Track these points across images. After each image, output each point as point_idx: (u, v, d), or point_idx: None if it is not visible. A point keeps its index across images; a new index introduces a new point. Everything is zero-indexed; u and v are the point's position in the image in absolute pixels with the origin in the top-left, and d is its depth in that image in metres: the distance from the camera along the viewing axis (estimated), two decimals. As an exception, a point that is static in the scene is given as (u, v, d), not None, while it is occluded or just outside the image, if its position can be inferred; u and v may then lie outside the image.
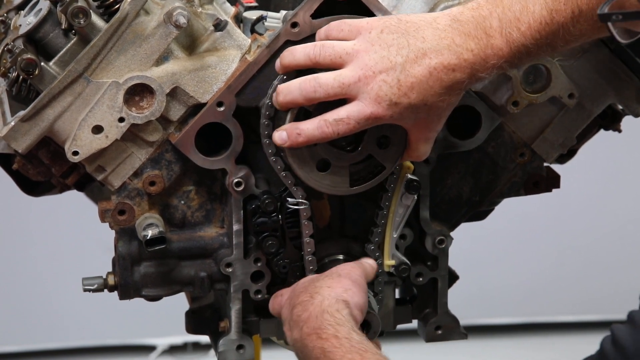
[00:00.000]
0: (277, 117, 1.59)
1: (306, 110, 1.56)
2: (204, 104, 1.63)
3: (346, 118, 1.52)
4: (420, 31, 1.51)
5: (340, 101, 1.54)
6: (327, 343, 1.51)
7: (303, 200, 1.66)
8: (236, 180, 1.65)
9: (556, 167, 1.86)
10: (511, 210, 2.38)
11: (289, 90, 1.55)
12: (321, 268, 1.70)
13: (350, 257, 1.74)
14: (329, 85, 1.52)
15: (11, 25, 1.70)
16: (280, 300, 1.68)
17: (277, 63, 1.59)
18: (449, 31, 1.50)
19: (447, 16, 1.52)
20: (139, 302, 1.78)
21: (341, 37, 1.55)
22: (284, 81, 1.58)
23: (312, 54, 1.55)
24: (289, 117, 1.57)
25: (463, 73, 1.50)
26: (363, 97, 1.51)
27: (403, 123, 1.55)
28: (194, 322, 1.81)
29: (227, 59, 1.63)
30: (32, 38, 1.60)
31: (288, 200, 1.66)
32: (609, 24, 1.36)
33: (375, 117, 1.52)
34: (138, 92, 1.60)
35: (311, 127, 1.54)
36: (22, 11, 1.69)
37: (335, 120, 1.53)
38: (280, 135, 1.56)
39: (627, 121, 1.86)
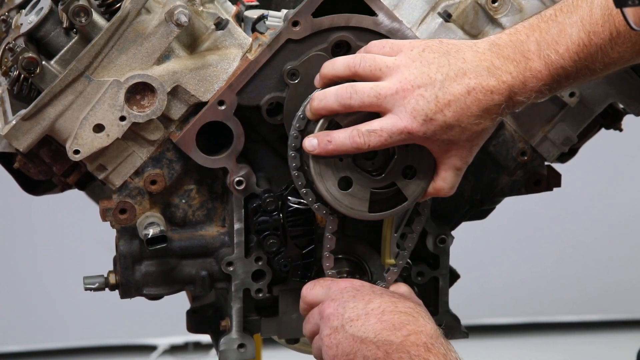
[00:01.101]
0: (307, 130, 1.58)
1: (337, 124, 1.55)
2: (205, 103, 1.63)
3: (379, 130, 1.51)
4: (461, 52, 1.52)
5: (373, 118, 1.53)
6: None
7: (304, 201, 1.65)
8: (237, 179, 1.65)
9: (557, 166, 1.86)
10: (512, 209, 2.38)
11: (325, 96, 1.54)
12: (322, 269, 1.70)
13: (352, 257, 1.74)
14: (365, 94, 1.52)
15: (12, 24, 1.70)
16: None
17: (316, 77, 1.59)
18: (488, 54, 1.51)
19: (486, 41, 1.53)
20: (140, 301, 1.78)
21: (382, 53, 1.55)
22: None
23: (352, 63, 1.54)
24: (319, 127, 1.56)
25: (501, 95, 1.50)
26: (398, 111, 1.51)
27: (434, 146, 1.54)
28: (195, 321, 1.81)
29: (228, 58, 1.63)
30: (34, 37, 1.60)
31: (289, 199, 1.66)
32: (624, 9, 1.36)
33: (408, 132, 1.51)
34: (139, 91, 1.60)
35: (343, 136, 1.53)
36: (23, 10, 1.69)
37: (368, 131, 1.52)
38: (311, 142, 1.55)
39: (628, 120, 1.86)
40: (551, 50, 1.50)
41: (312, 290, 1.66)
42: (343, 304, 1.59)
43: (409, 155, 1.57)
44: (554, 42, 1.50)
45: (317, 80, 1.59)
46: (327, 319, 1.59)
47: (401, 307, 1.57)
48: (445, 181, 1.59)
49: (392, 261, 1.73)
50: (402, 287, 1.69)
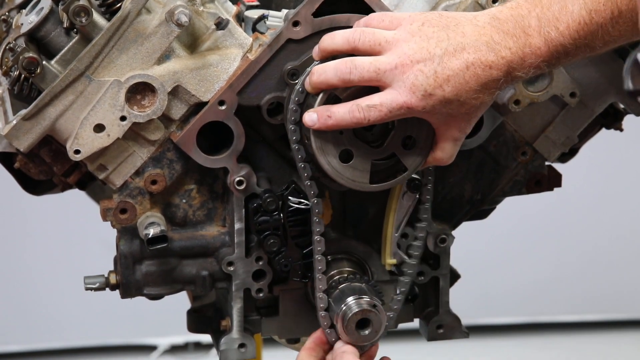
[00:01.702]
0: (306, 104, 1.58)
1: (336, 97, 1.55)
2: (206, 103, 1.63)
3: (379, 105, 1.51)
4: (460, 26, 1.51)
5: (372, 92, 1.53)
6: None
7: (304, 201, 1.65)
8: (238, 179, 1.65)
9: (558, 166, 1.86)
10: (513, 209, 2.38)
11: (324, 70, 1.54)
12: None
13: (352, 256, 1.74)
14: (364, 69, 1.52)
15: (13, 24, 1.70)
16: None
17: (315, 49, 1.58)
18: (487, 28, 1.50)
19: (486, 14, 1.53)
20: (140, 301, 1.78)
21: (382, 27, 1.55)
22: None
23: (351, 38, 1.54)
24: (318, 101, 1.56)
25: (500, 71, 1.50)
26: (398, 86, 1.51)
27: (433, 119, 1.54)
28: (195, 321, 1.81)
29: (229, 58, 1.63)
30: (34, 37, 1.60)
31: (290, 199, 1.66)
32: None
33: (407, 107, 1.51)
34: (140, 91, 1.60)
35: (342, 111, 1.53)
36: (23, 10, 1.69)
37: (368, 105, 1.52)
38: (311, 117, 1.55)
39: (629, 120, 1.86)
40: (552, 27, 1.49)
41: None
42: None
43: (408, 126, 1.57)
44: (555, 19, 1.49)
45: (315, 53, 1.59)
46: None
47: None
48: (444, 151, 1.59)
49: (393, 261, 1.73)
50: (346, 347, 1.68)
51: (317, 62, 1.58)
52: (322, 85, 1.55)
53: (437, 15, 1.53)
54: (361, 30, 1.54)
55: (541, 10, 1.50)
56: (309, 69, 1.58)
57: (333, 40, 1.56)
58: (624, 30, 1.49)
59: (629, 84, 1.26)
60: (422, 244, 1.71)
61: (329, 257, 1.71)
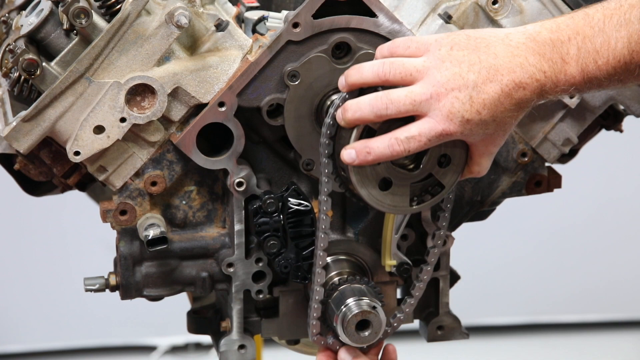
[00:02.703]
0: (339, 135, 1.57)
1: (370, 128, 1.54)
2: (206, 104, 1.63)
3: (418, 135, 1.50)
4: (491, 47, 1.49)
5: (405, 119, 1.52)
6: None
7: (304, 202, 1.65)
8: (238, 180, 1.65)
9: (558, 167, 1.86)
10: (513, 210, 2.38)
11: (359, 107, 1.52)
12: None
13: (352, 257, 1.74)
14: (400, 102, 1.50)
15: (13, 25, 1.71)
16: None
17: (342, 81, 1.56)
18: (522, 49, 1.48)
19: (521, 34, 1.50)
20: (140, 301, 1.78)
21: (408, 54, 1.53)
22: (345, 99, 1.55)
23: (381, 71, 1.52)
24: (354, 135, 1.54)
25: (532, 93, 1.48)
26: (434, 114, 1.49)
27: (470, 139, 1.54)
28: (195, 322, 1.82)
29: (229, 59, 1.63)
30: (34, 38, 1.60)
31: (290, 201, 1.66)
32: None
33: (446, 134, 1.50)
34: (139, 92, 1.60)
35: (382, 146, 1.52)
36: (23, 11, 1.69)
37: (407, 137, 1.50)
38: (349, 154, 1.53)
39: (629, 121, 1.86)
40: (590, 60, 1.47)
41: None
42: None
43: (442, 146, 1.56)
44: (596, 52, 1.46)
45: (342, 86, 1.56)
46: None
47: None
48: (480, 166, 1.58)
49: (393, 262, 1.73)
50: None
51: (345, 94, 1.55)
52: (358, 122, 1.53)
53: (464, 37, 1.51)
54: (390, 62, 1.52)
55: (582, 40, 1.47)
56: (337, 101, 1.56)
57: (361, 74, 1.54)
58: None
59: None
60: (439, 250, 1.70)
61: (328, 259, 1.71)
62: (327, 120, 1.57)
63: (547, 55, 1.48)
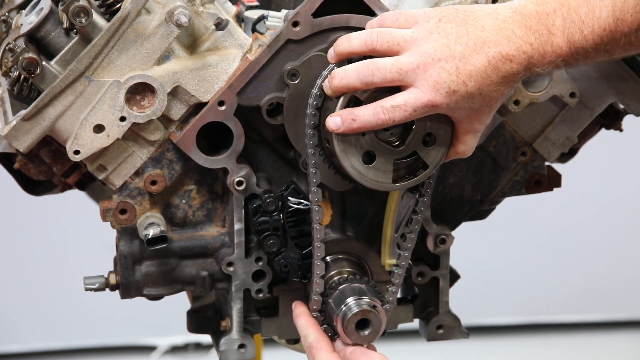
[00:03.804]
0: (325, 107, 1.57)
1: (357, 99, 1.54)
2: (205, 103, 1.63)
3: (403, 105, 1.50)
4: (479, 20, 1.50)
5: (392, 91, 1.52)
6: None
7: (304, 201, 1.65)
8: (237, 179, 1.65)
9: (557, 166, 1.86)
10: (513, 209, 2.38)
11: (346, 74, 1.53)
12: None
13: (351, 256, 1.74)
14: (387, 70, 1.50)
15: (12, 24, 1.70)
16: None
17: (330, 52, 1.57)
18: (509, 22, 1.49)
19: (507, 8, 1.51)
20: (140, 301, 1.78)
21: (397, 26, 1.54)
22: (332, 70, 1.55)
23: (368, 40, 1.53)
24: (339, 104, 1.55)
25: (520, 65, 1.49)
26: (421, 84, 1.50)
27: (456, 114, 1.54)
28: (195, 322, 1.82)
29: (229, 58, 1.63)
30: (34, 37, 1.60)
31: (290, 200, 1.66)
32: None
33: (432, 105, 1.50)
34: (139, 91, 1.60)
35: (367, 113, 1.52)
36: (23, 10, 1.69)
37: (392, 106, 1.51)
38: (334, 121, 1.54)
39: (628, 120, 1.86)
40: (576, 30, 1.48)
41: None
42: None
43: (427, 124, 1.57)
44: (581, 21, 1.48)
45: (331, 56, 1.57)
46: None
47: None
48: (466, 144, 1.58)
49: (393, 261, 1.73)
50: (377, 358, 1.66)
51: (333, 65, 1.57)
52: (344, 89, 1.54)
53: (453, 11, 1.52)
54: (378, 32, 1.53)
55: (567, 11, 1.49)
56: (325, 73, 1.57)
57: (350, 43, 1.55)
58: None
59: None
60: (415, 236, 1.70)
61: (328, 258, 1.71)
62: (314, 90, 1.58)
63: (534, 27, 1.49)
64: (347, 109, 1.54)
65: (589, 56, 1.50)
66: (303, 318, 1.67)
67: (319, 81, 1.57)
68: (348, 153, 1.56)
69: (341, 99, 1.54)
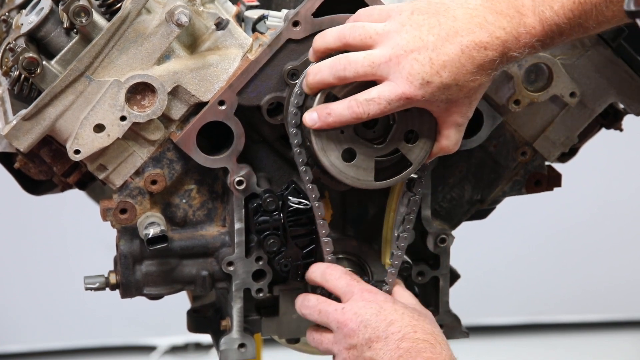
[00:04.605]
0: (305, 106, 1.58)
1: (335, 96, 1.55)
2: (206, 103, 1.63)
3: (377, 98, 1.50)
4: (450, 11, 1.50)
5: (370, 86, 1.52)
6: None
7: (304, 201, 1.65)
8: (238, 179, 1.65)
9: (558, 166, 1.86)
10: (513, 209, 2.38)
11: (319, 69, 1.54)
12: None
13: (352, 256, 1.74)
14: (359, 64, 1.51)
15: (13, 24, 1.71)
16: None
17: (310, 50, 1.58)
18: (480, 10, 1.49)
19: None
20: (140, 301, 1.78)
21: (371, 20, 1.54)
22: None
23: (341, 34, 1.53)
24: (317, 101, 1.55)
25: (495, 51, 1.48)
26: (394, 77, 1.50)
27: (434, 107, 1.53)
28: (195, 321, 1.82)
29: (229, 58, 1.63)
30: (34, 37, 1.60)
31: (290, 199, 1.66)
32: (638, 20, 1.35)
33: (406, 97, 1.50)
34: (140, 91, 1.60)
35: (341, 107, 1.52)
36: (23, 10, 1.69)
37: (366, 100, 1.51)
38: (311, 116, 1.54)
39: (628, 120, 1.86)
40: (546, 7, 1.47)
41: (336, 280, 1.65)
42: (365, 322, 1.59)
43: (409, 120, 1.57)
44: None
45: (310, 55, 1.58)
46: (348, 334, 1.60)
47: (420, 333, 1.58)
48: (449, 139, 1.58)
49: (393, 261, 1.73)
50: (406, 295, 1.68)
51: (313, 63, 1.58)
52: (319, 85, 1.55)
53: (425, 3, 1.52)
54: (351, 26, 1.54)
55: None
56: (306, 71, 1.58)
57: (324, 39, 1.56)
58: (617, 11, 1.47)
59: (629, 5, 1.26)
60: (409, 235, 1.69)
61: (329, 257, 1.71)
62: (295, 89, 1.58)
63: (504, 11, 1.48)
64: (323, 105, 1.54)
65: (563, 33, 1.49)
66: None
67: (300, 79, 1.58)
68: (327, 150, 1.56)
69: (318, 96, 1.55)
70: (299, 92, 1.58)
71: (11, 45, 1.57)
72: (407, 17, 1.51)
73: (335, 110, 1.53)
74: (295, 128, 1.59)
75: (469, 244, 2.49)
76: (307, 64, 1.62)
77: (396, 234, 1.71)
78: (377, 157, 1.58)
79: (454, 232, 1.79)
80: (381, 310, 1.60)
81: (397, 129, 1.57)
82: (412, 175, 1.65)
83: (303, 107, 1.58)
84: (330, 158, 1.57)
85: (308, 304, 1.66)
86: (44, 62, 1.56)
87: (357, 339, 1.59)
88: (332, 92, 1.55)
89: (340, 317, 1.61)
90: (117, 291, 1.72)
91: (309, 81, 1.55)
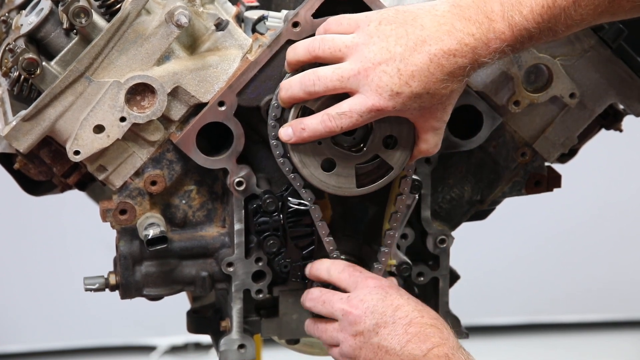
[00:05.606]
0: (283, 118, 1.59)
1: (310, 110, 1.56)
2: (205, 104, 1.63)
3: (348, 111, 1.51)
4: (418, 19, 1.50)
5: (342, 99, 1.53)
6: None
7: (304, 201, 1.66)
8: (237, 179, 1.65)
9: (557, 167, 1.86)
10: (512, 209, 2.38)
11: (290, 85, 1.55)
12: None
13: (352, 256, 1.74)
14: (327, 78, 1.51)
15: (13, 24, 1.71)
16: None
17: (285, 62, 1.58)
18: (448, 17, 1.49)
19: (446, 2, 1.50)
20: (140, 301, 1.78)
21: (340, 30, 1.54)
22: None
23: (311, 47, 1.54)
24: (291, 114, 1.56)
25: (464, 58, 1.48)
26: (364, 90, 1.50)
27: (408, 115, 1.54)
28: (195, 322, 1.82)
29: (229, 59, 1.63)
30: (34, 38, 1.60)
31: (290, 200, 1.66)
32: None
33: (377, 109, 1.50)
34: (139, 92, 1.60)
35: (315, 122, 1.53)
36: (23, 11, 1.69)
37: (338, 113, 1.52)
38: (286, 132, 1.55)
39: (628, 121, 1.86)
40: (515, 12, 1.47)
41: (339, 273, 1.66)
42: (372, 309, 1.60)
43: (387, 126, 1.57)
44: (519, 3, 1.47)
45: (285, 66, 1.59)
46: (354, 321, 1.60)
47: (427, 318, 1.59)
48: (427, 143, 1.58)
49: (393, 262, 1.73)
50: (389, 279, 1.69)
51: (289, 75, 1.58)
52: (291, 100, 1.55)
53: (393, 12, 1.52)
54: (320, 38, 1.54)
55: None
56: (279, 85, 1.58)
57: (295, 52, 1.56)
58: (585, 14, 1.47)
59: None
60: (395, 233, 1.69)
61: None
62: (273, 102, 1.59)
63: (473, 17, 1.48)
64: (297, 119, 1.55)
65: (533, 37, 1.49)
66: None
67: (276, 92, 1.59)
68: (306, 162, 1.58)
69: (292, 110, 1.56)
70: (276, 104, 1.59)
71: (11, 46, 1.57)
72: (375, 28, 1.51)
73: (309, 125, 1.54)
74: (276, 140, 1.60)
75: (469, 245, 2.49)
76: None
77: (396, 235, 1.71)
78: (357, 164, 1.59)
79: (453, 233, 1.79)
80: (387, 296, 1.60)
81: (375, 136, 1.58)
82: (415, 177, 1.66)
83: (281, 119, 1.58)
84: (310, 169, 1.58)
85: (312, 296, 1.67)
86: (43, 63, 1.56)
87: (364, 326, 1.59)
88: (305, 105, 1.55)
89: (346, 305, 1.62)
90: (117, 292, 1.72)
91: (282, 96, 1.56)
